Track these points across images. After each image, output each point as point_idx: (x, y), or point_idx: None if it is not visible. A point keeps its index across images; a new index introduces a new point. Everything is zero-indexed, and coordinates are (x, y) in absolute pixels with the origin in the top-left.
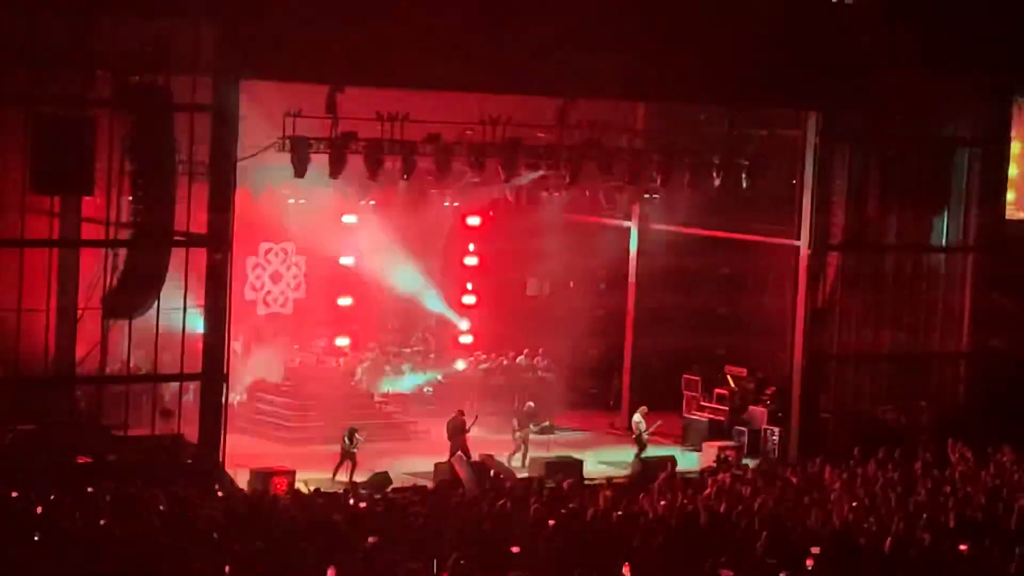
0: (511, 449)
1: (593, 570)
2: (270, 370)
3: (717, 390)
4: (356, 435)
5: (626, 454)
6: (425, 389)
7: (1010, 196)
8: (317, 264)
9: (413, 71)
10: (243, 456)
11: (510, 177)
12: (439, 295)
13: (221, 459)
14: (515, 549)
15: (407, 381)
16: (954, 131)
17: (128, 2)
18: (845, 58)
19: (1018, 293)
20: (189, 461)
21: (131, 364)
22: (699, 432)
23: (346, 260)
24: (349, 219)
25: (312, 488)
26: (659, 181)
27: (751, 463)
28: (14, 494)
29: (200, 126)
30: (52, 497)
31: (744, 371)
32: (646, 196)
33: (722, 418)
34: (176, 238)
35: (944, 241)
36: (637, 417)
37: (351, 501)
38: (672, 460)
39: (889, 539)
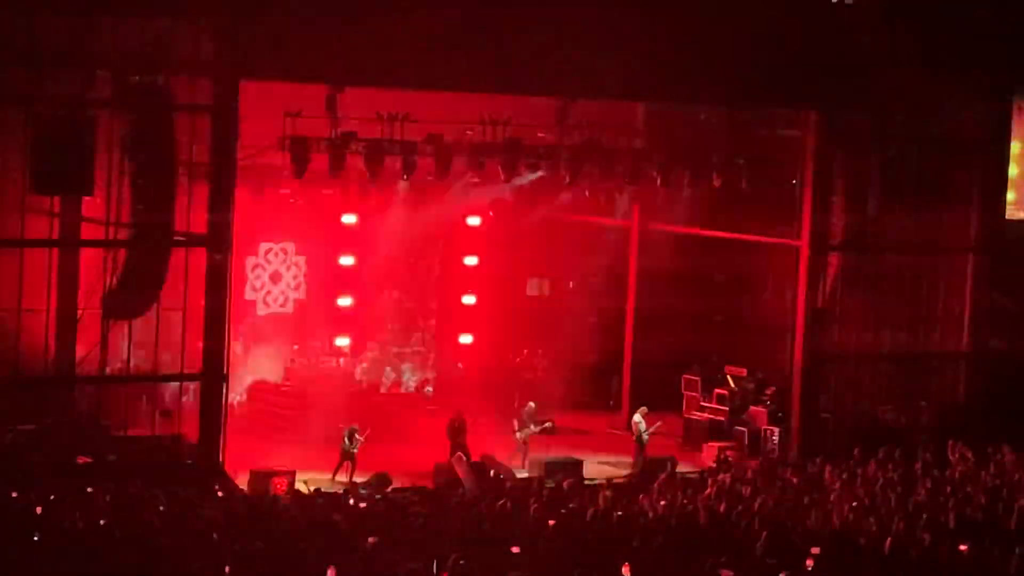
0: (511, 449)
1: (593, 570)
2: (270, 370)
3: (717, 390)
4: (356, 435)
5: (626, 454)
6: (426, 389)
7: (1010, 196)
8: (317, 264)
9: (413, 71)
10: (243, 456)
11: (510, 177)
12: (439, 295)
13: (221, 459)
14: (515, 549)
15: (407, 381)
16: (954, 131)
17: (128, 2)
18: (845, 58)
19: (1018, 293)
20: (189, 461)
21: (131, 364)
22: (699, 432)
23: (346, 260)
24: (349, 219)
25: (312, 488)
26: (659, 181)
27: (751, 463)
28: (14, 494)
29: (200, 126)
30: (52, 497)
31: (744, 371)
32: (646, 196)
33: (722, 418)
34: (176, 238)
35: (944, 241)
36: (637, 417)
37: (351, 501)
38: (672, 460)
39: (889, 539)
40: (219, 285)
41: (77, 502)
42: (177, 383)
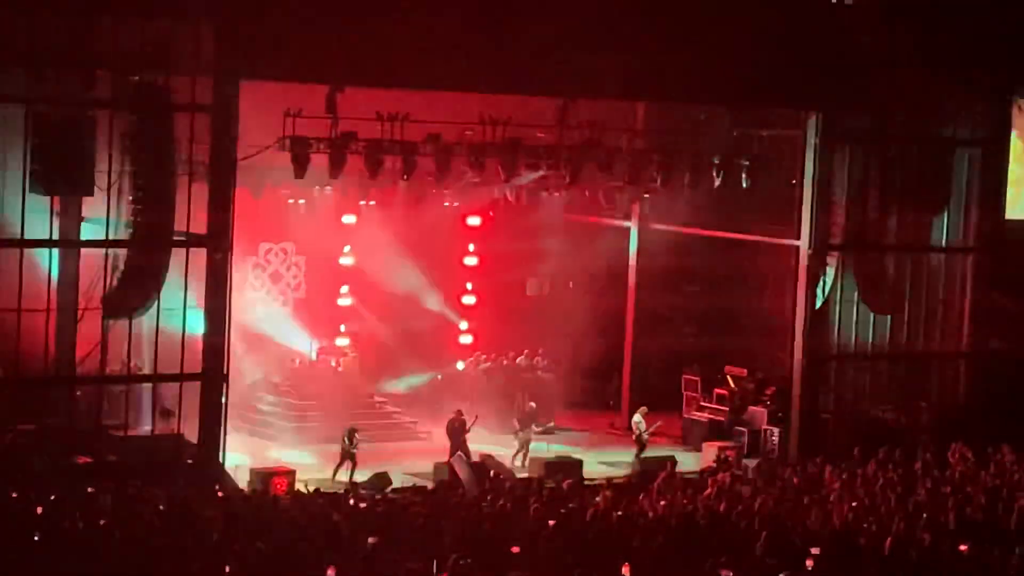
0: (511, 449)
1: (593, 570)
2: (270, 370)
3: (717, 390)
4: (356, 435)
5: (626, 454)
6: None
7: (1010, 196)
8: (317, 264)
9: (413, 71)
10: (243, 456)
11: (510, 177)
12: (439, 295)
13: (221, 459)
14: (515, 549)
15: (407, 381)
16: (954, 131)
17: (128, 2)
18: (845, 58)
19: (1018, 293)
20: (189, 461)
21: (131, 364)
22: (699, 432)
23: (346, 260)
24: (349, 219)
25: (312, 488)
26: (659, 181)
27: (751, 463)
28: (14, 494)
29: (200, 126)
30: (52, 497)
31: (744, 371)
32: (646, 196)
33: (722, 418)
34: (176, 238)
35: (944, 241)
36: (637, 417)
37: (351, 501)
38: (672, 460)
39: (889, 539)
40: (219, 285)
41: (77, 502)
42: (177, 383)
